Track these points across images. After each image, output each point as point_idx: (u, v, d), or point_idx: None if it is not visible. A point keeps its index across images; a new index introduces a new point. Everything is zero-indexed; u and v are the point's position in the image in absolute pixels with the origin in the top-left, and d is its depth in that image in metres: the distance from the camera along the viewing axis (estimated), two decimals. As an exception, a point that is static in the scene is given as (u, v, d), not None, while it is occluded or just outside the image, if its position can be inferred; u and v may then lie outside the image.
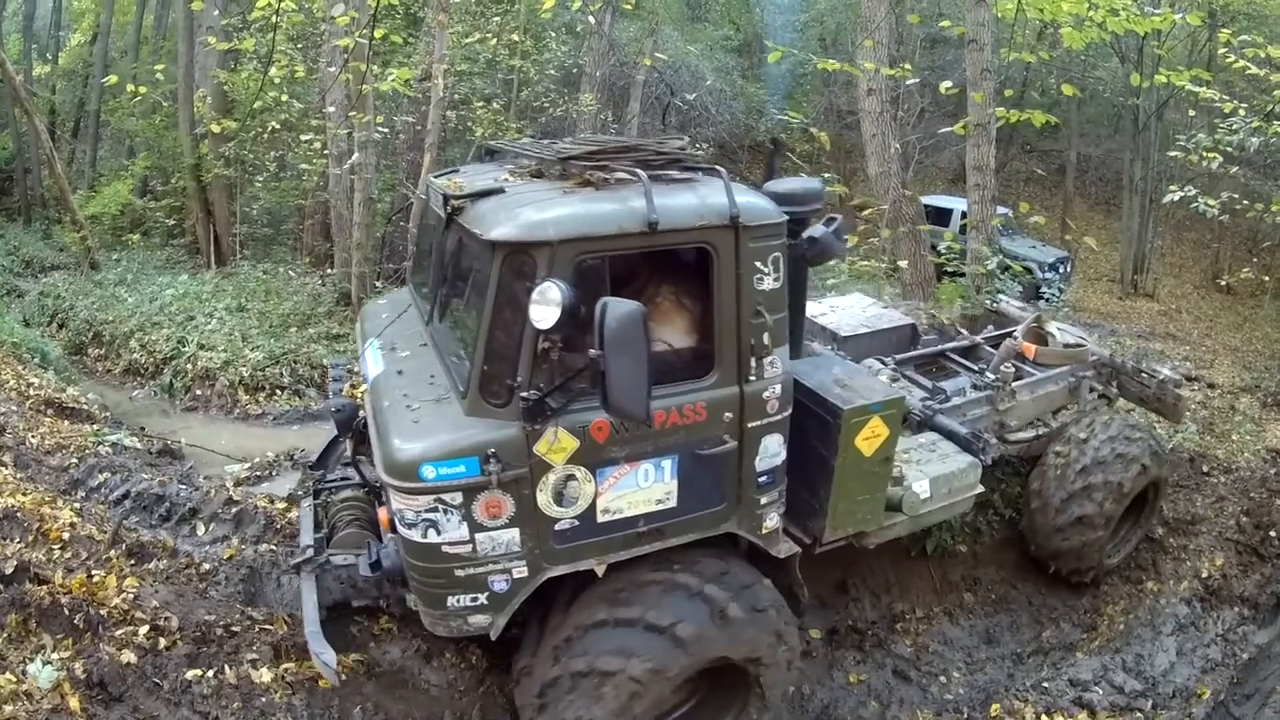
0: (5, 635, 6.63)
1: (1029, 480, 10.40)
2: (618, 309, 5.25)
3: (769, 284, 6.52)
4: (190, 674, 6.82)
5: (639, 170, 6.17)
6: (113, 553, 8.20)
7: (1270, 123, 12.37)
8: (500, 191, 6.39)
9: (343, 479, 8.83)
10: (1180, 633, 10.03)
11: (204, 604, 7.61)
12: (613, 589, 6.58)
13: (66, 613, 6.96)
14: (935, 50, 29.99)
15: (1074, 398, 10.81)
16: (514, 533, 6.14)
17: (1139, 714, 8.82)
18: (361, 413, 7.49)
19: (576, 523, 6.28)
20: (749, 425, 6.62)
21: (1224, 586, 10.69)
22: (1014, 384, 10.02)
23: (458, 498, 5.91)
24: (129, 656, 6.72)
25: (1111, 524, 10.13)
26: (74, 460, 10.70)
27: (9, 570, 7.23)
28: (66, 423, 12.28)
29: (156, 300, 17.88)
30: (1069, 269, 26.65)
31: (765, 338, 6.53)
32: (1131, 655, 9.62)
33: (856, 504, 7.52)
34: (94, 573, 7.63)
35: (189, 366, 15.25)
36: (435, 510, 5.93)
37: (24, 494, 8.96)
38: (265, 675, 7.01)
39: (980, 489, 8.79)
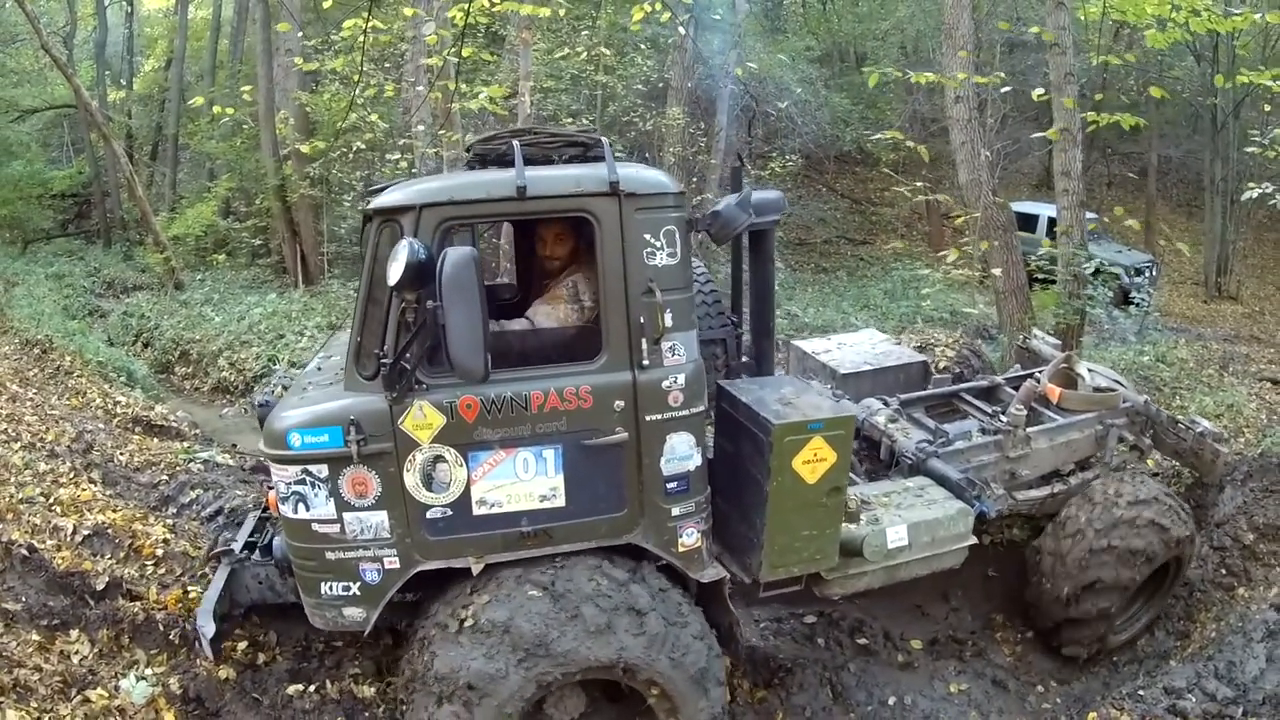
0: (97, 651, 6.68)
1: (1041, 539, 9.45)
2: (453, 254, 5.23)
3: (663, 259, 6.13)
4: (291, 689, 6.83)
5: (514, 142, 6.09)
6: (208, 569, 8.15)
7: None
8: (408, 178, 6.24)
9: None
10: (1270, 639, 9.75)
11: (302, 620, 7.60)
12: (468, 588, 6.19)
13: (161, 628, 7.04)
14: (1014, 55, 29.74)
15: (1101, 448, 9.87)
16: (382, 515, 5.96)
17: (1229, 720, 8.67)
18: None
19: (449, 512, 6.03)
20: (646, 418, 6.14)
21: None
22: (1029, 429, 9.21)
23: (324, 470, 5.80)
24: (227, 672, 6.75)
25: (1127, 594, 9.29)
26: (164, 477, 10.66)
27: (100, 586, 7.31)
28: (155, 440, 12.30)
29: (244, 319, 18.02)
30: (1155, 273, 26.33)
31: (660, 317, 6.03)
32: (1223, 662, 9.37)
33: (801, 539, 6.79)
34: (190, 589, 7.68)
35: (279, 385, 15.30)
36: (303, 483, 5.82)
37: (114, 510, 8.98)
38: (368, 690, 7.04)
39: (972, 540, 8.03)
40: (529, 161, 6.09)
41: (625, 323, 5.98)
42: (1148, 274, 25.32)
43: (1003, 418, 9.22)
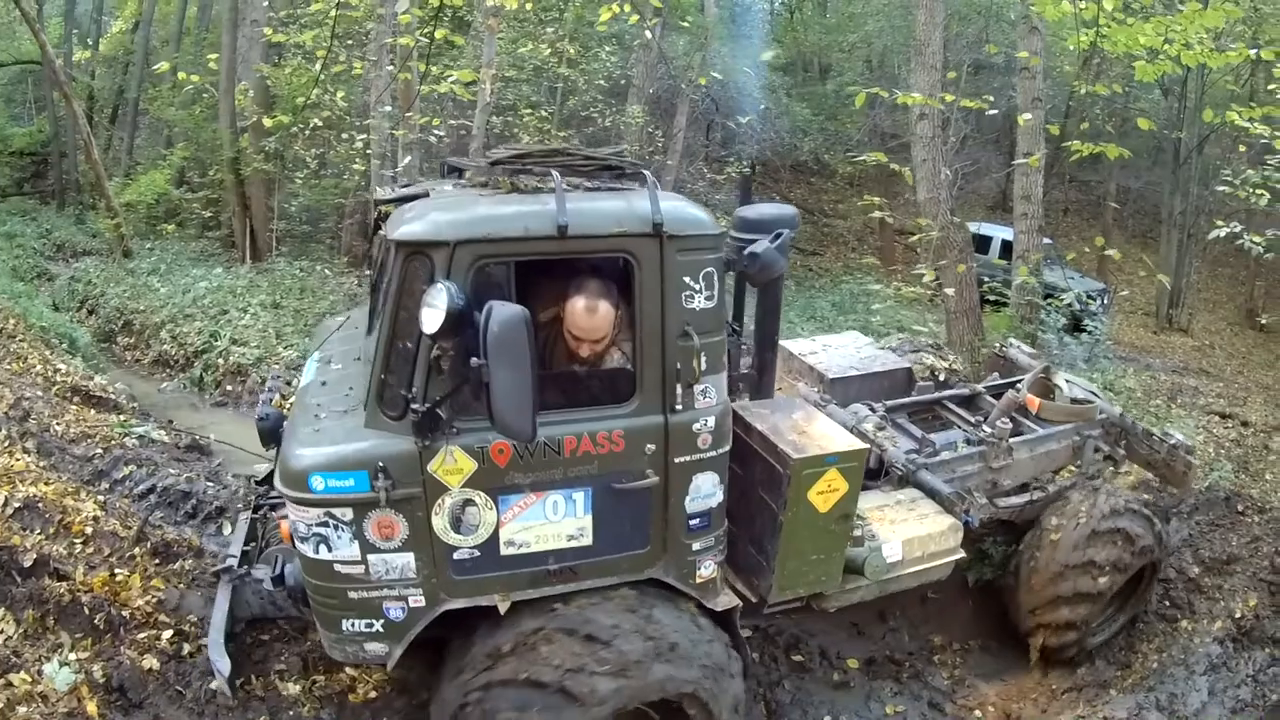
0: (22, 631, 6.54)
1: (1021, 547, 9.68)
2: (501, 312, 4.95)
3: (700, 302, 6.01)
4: (215, 683, 6.61)
5: (554, 172, 5.78)
6: (137, 550, 8.07)
7: (1319, 163, 12.28)
8: (424, 196, 6.12)
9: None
10: (1212, 672, 9.92)
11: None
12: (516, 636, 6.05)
13: (87, 612, 6.89)
14: (980, 76, 29.90)
15: (1077, 458, 10.10)
16: (409, 557, 5.83)
17: (1170, 754, 8.68)
18: (285, 424, 7.07)
19: (477, 553, 5.93)
20: (675, 460, 6.11)
21: (1256, 627, 10.59)
22: (1011, 440, 9.31)
23: (348, 513, 5.62)
24: (151, 662, 6.66)
25: (1102, 602, 9.51)
26: (99, 451, 10.56)
27: (28, 563, 7.13)
28: (93, 411, 12.19)
29: (189, 292, 17.83)
30: (1108, 301, 26.53)
31: (695, 362, 5.98)
32: (1165, 694, 9.50)
33: (809, 563, 7.02)
34: (117, 571, 7.55)
35: (220, 361, 15.13)
36: (326, 525, 5.65)
37: (46, 483, 8.80)
38: (293, 688, 6.93)
39: (961, 554, 8.23)
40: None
41: (660, 367, 5.91)
42: (1100, 301, 25.52)
43: (985, 428, 9.37)
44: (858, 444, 6.90)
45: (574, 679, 5.86)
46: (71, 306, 19.67)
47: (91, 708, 6.01)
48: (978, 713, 9.27)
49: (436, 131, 16.23)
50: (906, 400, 9.94)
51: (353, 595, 5.80)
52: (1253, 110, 12.09)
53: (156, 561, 8.10)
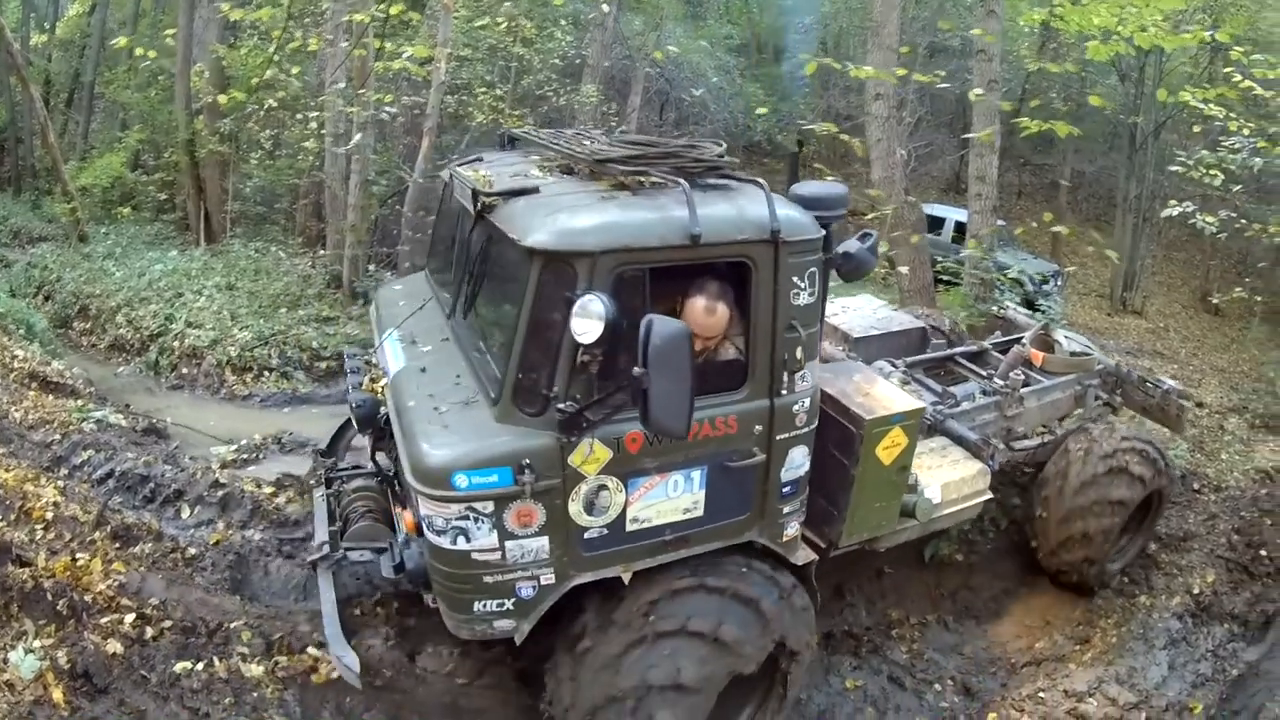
0: (-14, 619, 6.54)
1: (1034, 491, 10.45)
2: (663, 328, 5.25)
3: (804, 299, 6.47)
4: (179, 666, 6.77)
5: (681, 179, 6.05)
6: (97, 535, 8.11)
7: (1275, 144, 12.37)
8: (534, 191, 6.27)
9: (354, 467, 8.78)
10: (1172, 647, 10.09)
11: (191, 591, 7.51)
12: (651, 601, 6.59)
13: (50, 598, 6.87)
14: (936, 59, 29.96)
15: (1079, 405, 11.00)
16: (543, 540, 6.10)
17: (1132, 726, 8.84)
18: (383, 409, 7.40)
19: (605, 531, 6.27)
20: (777, 438, 6.60)
21: (1215, 603, 10.80)
22: (1022, 391, 10.10)
23: (489, 506, 5.85)
24: (115, 646, 6.66)
25: (1112, 537, 10.24)
26: (57, 436, 10.61)
27: (-10, 550, 7.13)
28: (50, 397, 12.16)
29: (145, 275, 17.69)
30: (1061, 283, 26.72)
31: (798, 352, 6.48)
32: (1125, 668, 9.66)
33: (873, 511, 7.63)
34: (78, 556, 7.54)
35: (176, 344, 15.04)
36: (466, 518, 5.87)
37: (6, 470, 8.82)
38: (256, 669, 6.98)
39: (989, 495, 8.90)
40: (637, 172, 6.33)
41: (769, 357, 6.36)
42: (1054, 283, 25.68)
43: (997, 380, 10.14)
44: (916, 403, 7.61)
45: (729, 631, 6.61)
46: (28, 292, 19.41)
47: (57, 695, 6.00)
48: (937, 686, 9.39)
49: (389, 109, 16.18)
50: (924, 357, 10.67)
51: (487, 579, 6.11)
52: (1205, 92, 12.20)
53: (117, 546, 8.13)
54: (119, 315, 16.51)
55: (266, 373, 14.29)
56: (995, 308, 13.37)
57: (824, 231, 6.61)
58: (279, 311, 16.07)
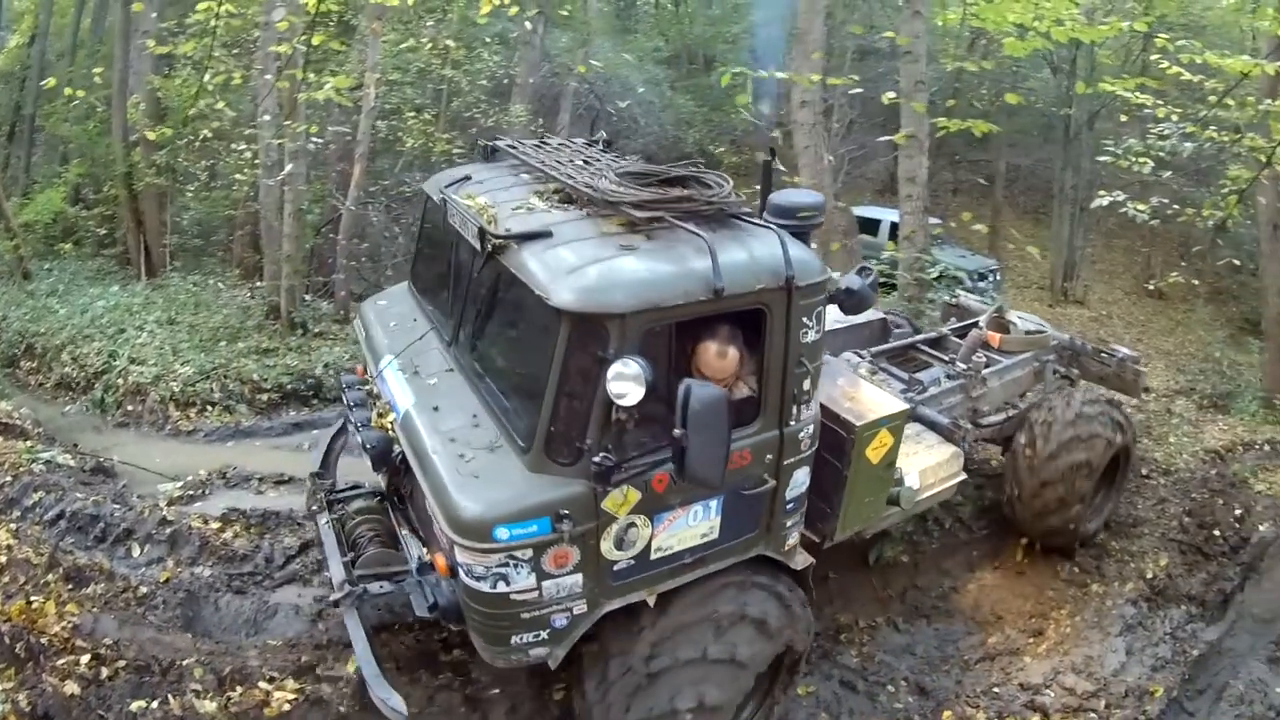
0: (-54, 665, 6.60)
1: (1006, 466, 11.15)
2: (701, 393, 5.60)
3: (812, 336, 6.81)
4: (135, 705, 6.87)
5: (699, 231, 6.29)
6: (51, 577, 8.17)
7: (1204, 129, 12.57)
8: (547, 235, 6.43)
9: (353, 487, 8.86)
10: (1129, 633, 10.28)
11: (144, 630, 7.58)
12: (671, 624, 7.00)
13: (8, 641, 6.98)
14: (865, 62, 30.10)
15: (1039, 380, 11.77)
16: (578, 577, 6.37)
17: (1093, 714, 9.06)
18: (396, 447, 7.41)
19: (633, 562, 6.59)
20: (785, 463, 6.99)
21: (1170, 586, 11.06)
22: (984, 372, 10.74)
23: (528, 553, 6.08)
24: (72, 688, 6.76)
25: (1086, 497, 10.82)
26: (8, 478, 10.60)
27: (-54, 596, 7.19)
28: (0, 439, 12.06)
29: (88, 312, 17.50)
30: (999, 278, 26.93)
31: (805, 385, 6.89)
32: (1080, 657, 9.83)
33: (864, 506, 8.20)
34: (33, 599, 7.59)
35: (120, 381, 14.91)
36: (506, 565, 6.10)
37: (-41, 515, 8.81)
38: (210, 705, 7.07)
39: (963, 477, 9.66)
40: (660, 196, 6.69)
41: (780, 392, 6.74)
42: (991, 279, 25.89)
43: (960, 364, 10.78)
44: (901, 405, 8.16)
45: (744, 652, 7.21)
46: (-27, 333, 19.23)
47: (21, 737, 6.08)
48: (890, 687, 9.44)
49: (317, 139, 16.21)
50: (887, 346, 11.20)
51: (524, 616, 6.37)
52: (1125, 81, 12.41)
53: (70, 587, 8.20)
54: (64, 353, 16.35)
55: (209, 407, 14.21)
56: (948, 300, 13.62)
57: (829, 274, 7.03)
58: (219, 345, 15.97)
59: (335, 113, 19.56)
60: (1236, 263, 23.90)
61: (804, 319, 6.68)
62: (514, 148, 8.39)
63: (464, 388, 7.10)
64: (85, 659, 7.06)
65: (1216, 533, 12.00)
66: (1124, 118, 19.39)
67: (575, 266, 6.04)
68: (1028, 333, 11.85)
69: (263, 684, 7.36)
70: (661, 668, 6.90)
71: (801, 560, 7.78)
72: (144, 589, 8.59)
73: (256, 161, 17.83)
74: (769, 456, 6.87)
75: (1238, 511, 12.37)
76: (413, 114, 21.27)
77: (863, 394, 8.19)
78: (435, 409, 6.91)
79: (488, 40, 24.35)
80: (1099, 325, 28.10)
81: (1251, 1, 23.52)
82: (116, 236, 23.90)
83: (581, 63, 22.46)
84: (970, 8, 12.43)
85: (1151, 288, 28.53)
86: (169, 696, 7.00)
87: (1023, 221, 33.83)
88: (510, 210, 7.02)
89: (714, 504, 6.81)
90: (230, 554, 9.60)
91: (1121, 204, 12.63)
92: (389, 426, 7.51)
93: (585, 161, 7.72)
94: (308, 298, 18.88)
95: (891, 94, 13.23)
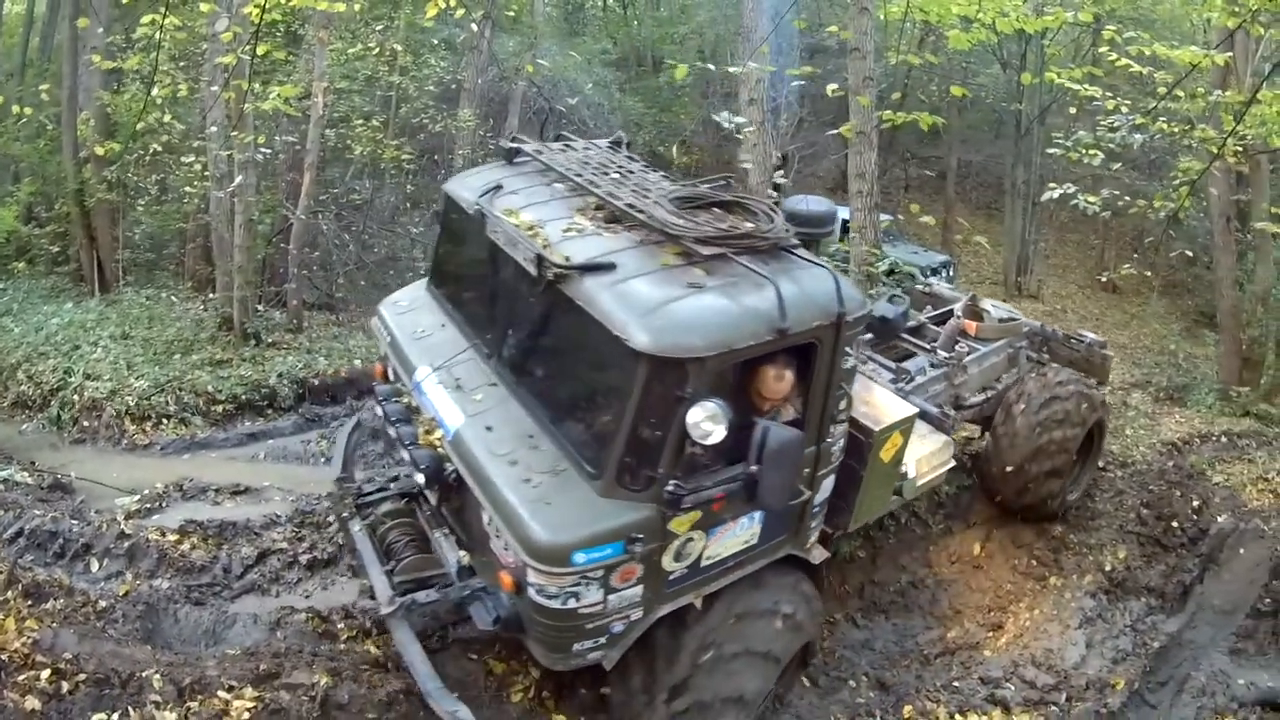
0: (-93, 684, 6.56)
1: (987, 444, 11.84)
2: (778, 434, 6.30)
3: (851, 363, 7.40)
4: (95, 718, 6.82)
5: (767, 276, 6.68)
6: (10, 594, 8.13)
7: (1153, 120, 12.67)
8: (611, 268, 6.71)
9: (379, 490, 9.08)
10: (1088, 625, 10.42)
11: (103, 644, 7.54)
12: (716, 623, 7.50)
13: (-34, 662, 6.86)
14: (815, 59, 30.19)
15: (1013, 365, 12.28)
16: (639, 589, 6.80)
17: (1054, 707, 9.12)
18: (448, 465, 7.52)
19: (686, 570, 7.05)
20: (818, 474, 7.59)
21: (1129, 578, 11.20)
22: (965, 360, 11.26)
23: (600, 573, 6.47)
24: (33, 703, 6.75)
25: (1066, 470, 11.57)
26: (-33, 499, 10.47)
27: (-93, 617, 7.16)
28: (-42, 459, 11.99)
29: (42, 330, 17.34)
30: (952, 273, 27.07)
31: (842, 405, 7.50)
32: (1040, 650, 9.94)
33: (875, 499, 8.78)
34: (-8, 620, 7.50)
35: (76, 398, 14.82)
36: (578, 584, 6.45)
37: (-82, 534, 8.78)
38: (169, 716, 6.99)
39: (953, 464, 10.12)
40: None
41: (821, 415, 7.28)
42: (944, 274, 25.98)
43: (941, 352, 11.32)
44: (911, 409, 8.68)
45: (777, 645, 7.83)
46: (-70, 354, 19.03)
47: (-17, 755, 6.03)
48: (851, 683, 9.53)
49: (264, 149, 16.14)
50: (871, 336, 11.16)
51: (588, 626, 6.77)
52: (1072, 71, 12.52)
53: (29, 603, 8.13)
54: (19, 372, 16.20)
55: (165, 420, 14.14)
56: (920, 288, 13.87)
57: (870, 309, 7.88)
58: (173, 358, 15.89)
59: (284, 122, 19.52)
60: (1190, 254, 24.06)
61: (847, 349, 7.17)
62: (539, 152, 8.62)
63: (511, 405, 7.35)
64: (45, 674, 7.01)
65: (1175, 524, 12.10)
66: (1074, 111, 19.55)
67: (650, 308, 6.36)
68: (1001, 321, 12.30)
69: (222, 693, 7.31)
70: (707, 661, 7.33)
71: (818, 555, 8.26)
72: (103, 603, 8.54)
73: (206, 174, 17.74)
74: (806, 470, 7.37)
75: (1195, 503, 12.47)
76: (361, 121, 21.29)
77: (876, 399, 8.61)
78: (488, 429, 7.14)
79: (435, 44, 24.39)
80: (1053, 319, 28.05)
81: (1201, -8, 23.70)
82: (69, 254, 23.69)
83: (528, 63, 22.45)
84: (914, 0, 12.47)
85: (1105, 280, 28.73)
86: (129, 708, 6.95)
87: (975, 217, 34.03)
88: (561, 233, 7.25)
89: (758, 515, 7.26)
90: (188, 565, 9.61)
91: (1072, 196, 12.71)
92: (438, 444, 7.63)
93: (621, 174, 8.12)
94: (260, 308, 18.87)
95: (833, 85, 13.27)
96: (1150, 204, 14.05)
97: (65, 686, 6.99)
